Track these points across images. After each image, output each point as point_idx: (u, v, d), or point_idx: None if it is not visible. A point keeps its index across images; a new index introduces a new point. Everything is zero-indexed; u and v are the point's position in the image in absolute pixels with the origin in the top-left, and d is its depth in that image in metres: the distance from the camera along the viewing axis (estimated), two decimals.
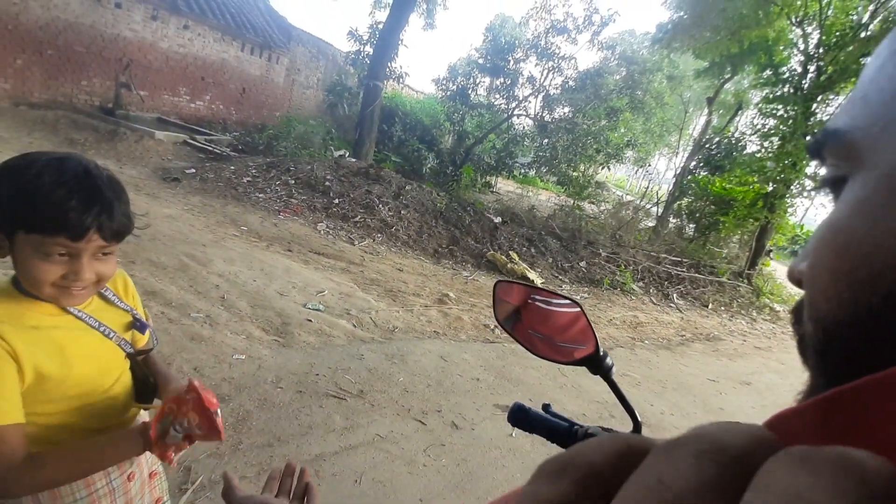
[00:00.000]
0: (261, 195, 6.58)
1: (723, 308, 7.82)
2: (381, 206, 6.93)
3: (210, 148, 8.19)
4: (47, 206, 0.68)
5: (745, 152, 10.97)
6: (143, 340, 0.94)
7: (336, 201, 6.83)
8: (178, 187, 6.19)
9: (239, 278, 3.84)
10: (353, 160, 8.98)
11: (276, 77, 12.58)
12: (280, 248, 5.02)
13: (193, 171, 6.89)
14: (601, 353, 0.68)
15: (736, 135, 12.11)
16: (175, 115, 9.96)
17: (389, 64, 10.93)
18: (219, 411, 0.79)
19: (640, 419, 0.69)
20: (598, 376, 0.70)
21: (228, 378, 2.52)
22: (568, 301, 0.70)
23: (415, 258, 6.08)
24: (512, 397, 3.09)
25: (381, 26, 10.91)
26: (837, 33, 8.30)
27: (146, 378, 0.93)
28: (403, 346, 3.49)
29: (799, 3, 8.54)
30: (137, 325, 0.90)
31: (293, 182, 7.11)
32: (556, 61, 12.09)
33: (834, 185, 0.25)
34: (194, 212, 5.38)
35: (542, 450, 2.61)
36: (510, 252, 6.82)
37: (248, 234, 5.16)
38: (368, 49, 11.56)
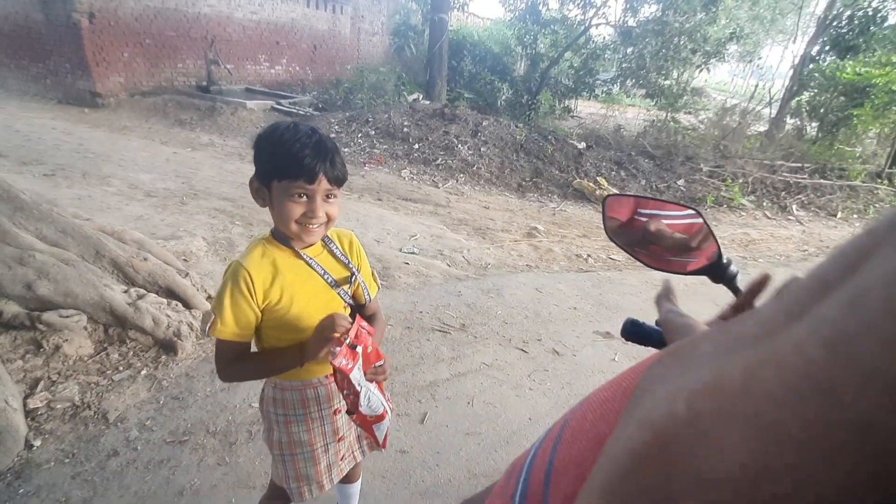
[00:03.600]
0: (345, 149, 6.84)
1: (856, 216, 6.84)
2: (460, 145, 6.88)
3: (295, 110, 8.58)
4: (290, 156, 0.88)
5: (886, 25, 8.99)
6: (363, 297, 1.10)
7: (416, 146, 6.90)
8: None
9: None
10: (427, 102, 8.90)
11: (343, 28, 12.57)
12: (370, 198, 5.26)
13: None
14: (724, 261, 0.65)
15: (874, 4, 9.90)
16: (259, 83, 10.50)
17: None
18: (358, 348, 0.91)
19: None
20: (718, 286, 0.68)
21: None
22: (684, 209, 0.68)
23: (499, 194, 6.04)
24: (612, 324, 3.08)
25: None
26: None
27: None
28: (498, 280, 3.58)
29: None
30: (351, 278, 1.06)
31: (373, 133, 7.28)
32: None
33: None
34: None
35: None
36: (598, 178, 6.48)
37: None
38: None
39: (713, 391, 0.13)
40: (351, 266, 1.06)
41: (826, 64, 9.41)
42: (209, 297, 2.64)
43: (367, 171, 6.23)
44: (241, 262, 0.94)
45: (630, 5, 11.04)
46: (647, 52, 10.43)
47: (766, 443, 0.11)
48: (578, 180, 6.38)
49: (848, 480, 0.10)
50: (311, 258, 1.01)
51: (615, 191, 6.26)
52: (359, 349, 0.90)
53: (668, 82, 10.67)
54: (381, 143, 7.05)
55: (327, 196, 0.94)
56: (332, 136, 7.21)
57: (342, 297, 1.04)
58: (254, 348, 1.04)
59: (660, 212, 0.73)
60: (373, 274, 1.14)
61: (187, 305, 2.53)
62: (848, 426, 0.10)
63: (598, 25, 11.51)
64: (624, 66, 11.44)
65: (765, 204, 6.60)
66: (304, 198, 0.91)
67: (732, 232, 5.47)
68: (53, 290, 2.13)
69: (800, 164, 7.63)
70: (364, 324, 0.93)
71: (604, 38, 12.01)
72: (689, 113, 10.54)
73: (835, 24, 9.82)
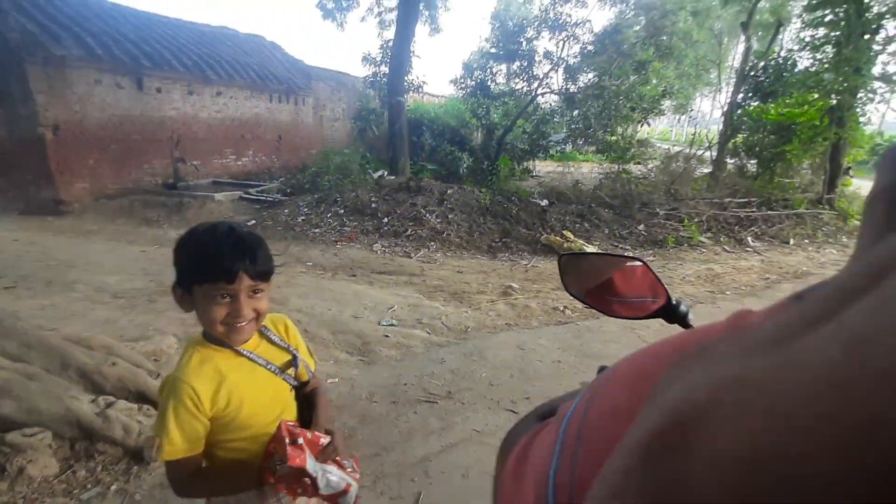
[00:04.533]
0: (316, 230, 6.94)
1: (807, 241, 7.25)
2: (427, 215, 7.09)
3: (263, 198, 8.75)
4: (207, 259, 0.88)
5: (796, 71, 10.11)
6: (305, 375, 1.10)
7: (385, 220, 7.07)
8: None
9: (315, 310, 4.10)
10: (392, 178, 9.24)
11: (305, 118, 13.21)
12: (345, 274, 5.28)
13: (253, 222, 7.40)
14: (674, 302, 0.71)
15: (783, 54, 11.18)
16: (226, 175, 10.73)
17: (406, 77, 11.15)
18: (300, 440, 0.92)
19: None
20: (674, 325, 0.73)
21: None
22: (631, 259, 0.75)
23: (471, 258, 6.16)
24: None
25: (391, 44, 11.17)
26: None
27: (304, 410, 1.11)
28: (479, 343, 3.57)
29: None
30: (294, 362, 1.06)
31: (342, 211, 7.44)
32: (569, 30, 11.79)
33: None
34: None
35: None
36: (563, 232, 6.73)
37: (314, 268, 5.48)
38: (384, 69, 11.86)
39: (733, 385, 0.14)
40: (291, 349, 1.07)
41: (752, 108, 10.37)
42: None
43: (339, 248, 6.30)
44: (180, 377, 0.91)
45: (569, 75, 12.11)
46: (590, 113, 11.32)
47: (780, 431, 0.12)
48: (546, 236, 6.61)
49: (854, 470, 0.10)
50: (251, 353, 0.99)
51: (582, 242, 6.49)
52: (300, 441, 0.91)
53: (614, 138, 11.49)
54: (351, 220, 7.20)
55: (254, 292, 0.92)
56: (302, 218, 7.33)
57: (288, 382, 1.05)
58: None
59: (612, 262, 0.80)
60: (308, 349, 1.14)
61: None
62: (858, 420, 0.11)
63: (543, 94, 12.52)
64: (572, 127, 12.33)
65: (722, 239, 6.95)
66: (228, 298, 0.90)
67: (697, 269, 5.69)
68: (17, 408, 2.02)
69: (746, 199, 8.15)
70: (288, 423, 0.94)
71: (550, 104, 13.02)
72: (639, 163, 11.26)
73: (752, 74, 10.98)
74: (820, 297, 0.15)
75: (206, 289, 0.89)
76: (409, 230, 6.79)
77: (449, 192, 7.76)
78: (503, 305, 4.39)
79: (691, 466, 0.13)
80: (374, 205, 7.47)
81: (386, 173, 10.02)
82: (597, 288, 0.79)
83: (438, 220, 7.00)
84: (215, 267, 0.87)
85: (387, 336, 3.63)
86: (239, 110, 11.14)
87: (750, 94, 10.93)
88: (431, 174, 10.92)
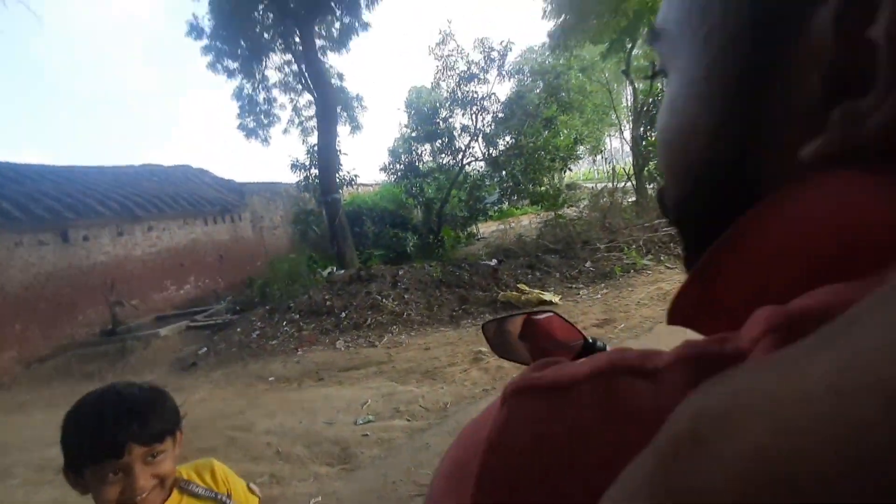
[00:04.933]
0: (273, 342, 6.70)
1: None
2: (384, 300, 7.07)
3: (212, 322, 8.42)
4: (88, 437, 0.81)
5: None
6: None
7: (343, 315, 6.97)
8: (197, 370, 6.31)
9: (285, 426, 3.86)
10: (342, 271, 9.24)
11: (244, 233, 13.16)
12: (311, 380, 5.07)
13: (205, 349, 7.05)
14: (591, 341, 0.78)
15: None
16: (169, 308, 10.29)
17: (337, 174, 11.56)
18: None
19: None
20: None
21: None
22: (543, 312, 0.81)
23: (435, 332, 6.13)
24: None
25: (316, 148, 11.66)
26: None
27: None
28: (461, 417, 3.48)
29: None
30: None
31: (297, 316, 7.28)
32: (478, 103, 12.87)
33: (664, 75, 0.28)
34: (221, 385, 5.46)
35: None
36: (518, 286, 6.90)
37: (277, 382, 5.23)
38: (314, 171, 12.26)
39: (743, 394, 0.14)
40: (220, 497, 1.01)
41: (653, 137, 11.50)
42: None
43: (300, 355, 6.08)
44: None
45: (488, 142, 13.07)
46: (516, 171, 12.12)
47: (781, 431, 0.12)
48: (503, 293, 6.73)
49: (846, 467, 0.11)
50: None
51: (538, 291, 6.66)
52: None
53: (543, 188, 12.27)
54: (308, 323, 7.03)
55: (152, 456, 0.85)
56: (256, 333, 7.08)
57: None
58: None
59: (530, 319, 0.86)
60: (248, 487, 1.07)
61: None
62: (850, 422, 0.11)
63: (469, 163, 13.34)
64: (503, 186, 13.09)
65: (662, 258, 7.36)
66: (120, 474, 0.81)
67: (648, 290, 5.95)
68: None
69: None
70: None
71: (478, 170, 13.84)
72: (572, 206, 11.98)
73: (645, 109, 12.31)
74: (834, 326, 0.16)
75: (94, 469, 0.81)
76: (369, 319, 6.70)
77: (400, 273, 7.84)
78: (476, 372, 4.35)
79: (704, 466, 0.14)
80: (328, 302, 7.37)
81: (335, 269, 10.02)
82: (523, 345, 0.84)
83: (396, 303, 6.98)
84: (97, 444, 0.80)
85: (366, 435, 3.46)
86: (174, 239, 10.96)
87: (648, 126, 12.17)
88: (380, 259, 11.04)
